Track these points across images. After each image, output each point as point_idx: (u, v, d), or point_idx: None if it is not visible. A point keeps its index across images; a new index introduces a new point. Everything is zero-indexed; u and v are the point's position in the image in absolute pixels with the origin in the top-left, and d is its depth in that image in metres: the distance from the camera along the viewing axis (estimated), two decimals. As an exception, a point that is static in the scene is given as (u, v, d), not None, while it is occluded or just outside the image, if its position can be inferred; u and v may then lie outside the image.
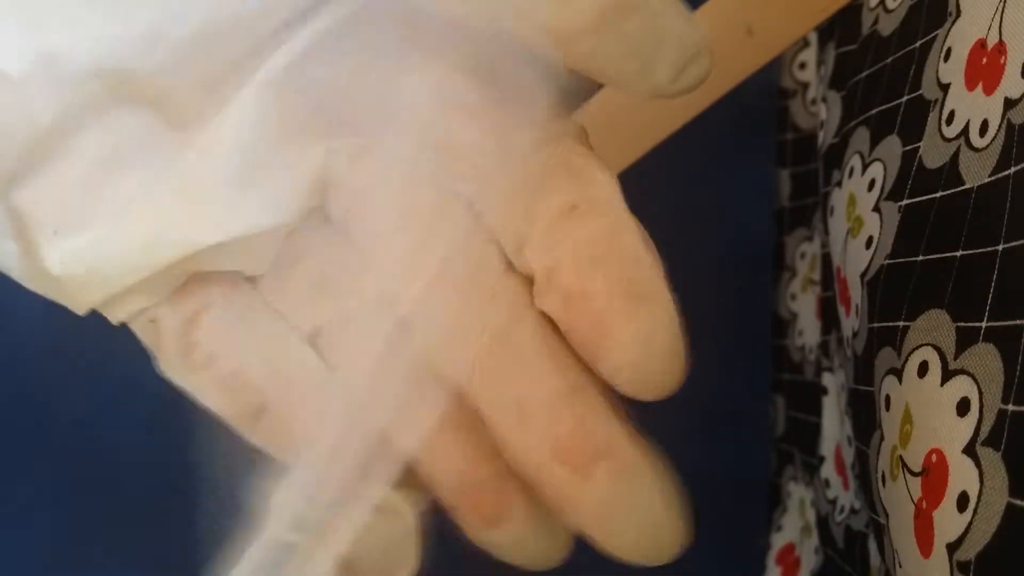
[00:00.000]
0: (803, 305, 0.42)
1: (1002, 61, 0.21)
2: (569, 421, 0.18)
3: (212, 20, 0.19)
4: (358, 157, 0.20)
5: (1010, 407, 0.18)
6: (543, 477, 0.18)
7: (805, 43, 0.42)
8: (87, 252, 0.20)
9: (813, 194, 0.39)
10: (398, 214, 0.20)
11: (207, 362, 0.20)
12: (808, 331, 0.41)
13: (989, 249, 0.20)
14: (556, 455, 0.18)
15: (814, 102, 0.42)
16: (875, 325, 0.24)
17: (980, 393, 0.19)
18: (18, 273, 0.20)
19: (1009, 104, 0.20)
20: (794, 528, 0.41)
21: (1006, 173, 0.20)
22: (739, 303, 0.45)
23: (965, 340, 0.20)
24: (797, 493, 0.42)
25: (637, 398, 0.17)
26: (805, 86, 0.43)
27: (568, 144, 0.19)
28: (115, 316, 0.21)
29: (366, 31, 0.19)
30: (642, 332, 0.17)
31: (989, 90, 0.21)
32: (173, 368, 0.21)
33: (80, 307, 0.20)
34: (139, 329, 0.21)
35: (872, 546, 0.28)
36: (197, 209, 0.20)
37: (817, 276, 0.40)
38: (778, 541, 0.42)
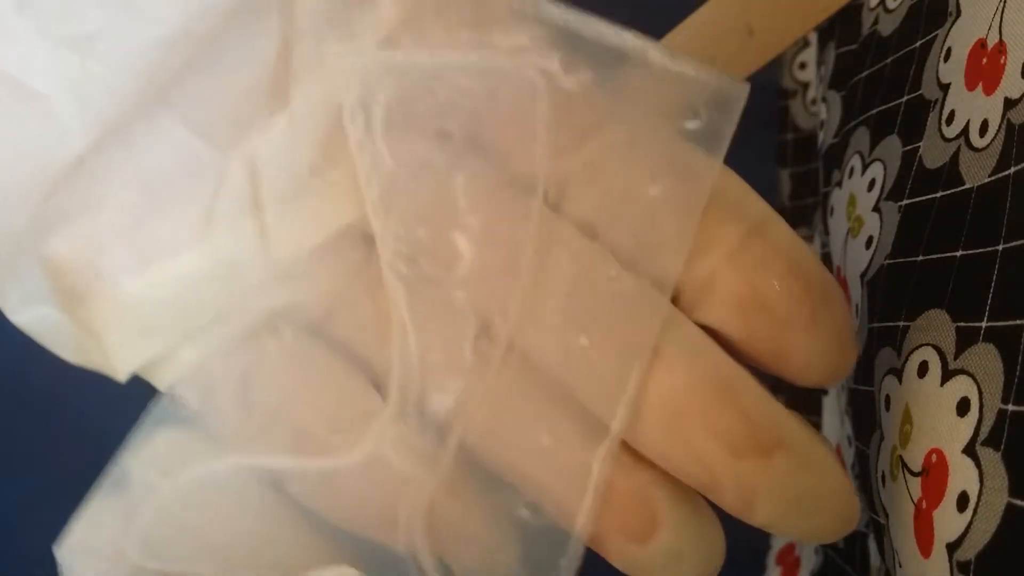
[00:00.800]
0: (803, 305, 0.42)
1: (1002, 61, 0.21)
2: (733, 414, 0.17)
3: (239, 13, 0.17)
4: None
5: (1010, 407, 0.18)
6: (720, 475, 0.17)
7: (805, 43, 0.42)
8: (134, 295, 0.18)
9: (813, 194, 0.39)
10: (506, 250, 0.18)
11: (266, 421, 0.18)
12: (808, 331, 0.41)
13: (989, 249, 0.20)
14: (730, 449, 0.17)
15: (814, 102, 0.42)
16: (875, 325, 0.24)
17: (980, 393, 0.19)
18: (55, 339, 0.19)
19: (1009, 104, 0.20)
20: (794, 528, 0.41)
21: (1006, 173, 0.20)
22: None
23: (965, 340, 0.20)
24: (797, 493, 0.42)
25: (818, 387, 0.18)
26: (805, 86, 0.43)
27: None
28: (163, 377, 0.19)
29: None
30: (832, 331, 0.18)
31: (989, 90, 0.21)
32: (232, 431, 0.18)
33: (123, 367, 0.19)
34: (186, 389, 0.19)
35: (872, 546, 0.28)
36: (246, 226, 0.18)
37: (817, 276, 0.40)
38: (778, 541, 0.42)
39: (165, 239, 0.18)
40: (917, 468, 0.21)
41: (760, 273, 0.18)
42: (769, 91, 0.45)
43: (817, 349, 0.18)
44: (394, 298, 0.18)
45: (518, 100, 0.18)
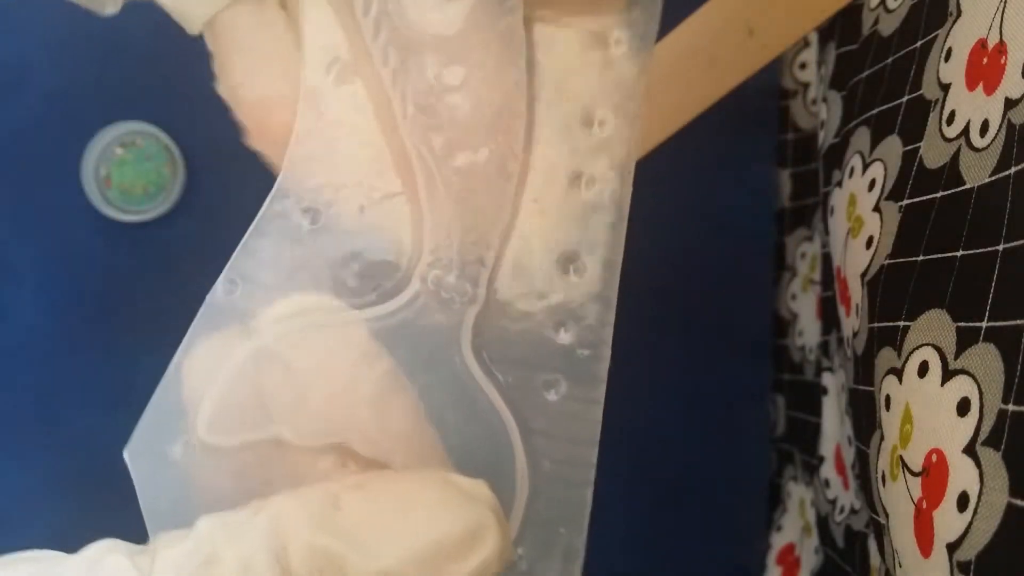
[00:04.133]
0: (803, 305, 0.42)
1: (1002, 61, 0.21)
2: None
3: None
4: None
5: (1010, 407, 0.18)
6: None
7: (806, 43, 0.42)
8: None
9: (813, 194, 0.39)
10: None
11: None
12: (808, 331, 0.41)
13: (989, 249, 0.20)
14: None
15: (814, 102, 0.42)
16: (875, 325, 0.24)
17: (980, 393, 0.19)
18: None
19: (1009, 104, 0.20)
20: (794, 528, 0.41)
21: (1006, 173, 0.20)
22: (739, 303, 0.45)
23: (965, 340, 0.20)
24: (797, 493, 0.42)
25: None
26: (806, 86, 0.43)
27: None
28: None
29: None
30: None
31: (990, 90, 0.21)
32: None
33: (196, 22, 0.20)
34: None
35: (872, 546, 0.28)
36: None
37: (817, 276, 0.40)
38: (778, 541, 0.42)
39: None
40: (917, 468, 0.21)
41: None
42: (769, 91, 0.45)
43: None
44: None
45: None
